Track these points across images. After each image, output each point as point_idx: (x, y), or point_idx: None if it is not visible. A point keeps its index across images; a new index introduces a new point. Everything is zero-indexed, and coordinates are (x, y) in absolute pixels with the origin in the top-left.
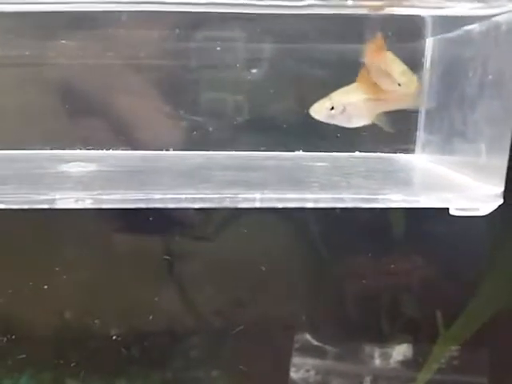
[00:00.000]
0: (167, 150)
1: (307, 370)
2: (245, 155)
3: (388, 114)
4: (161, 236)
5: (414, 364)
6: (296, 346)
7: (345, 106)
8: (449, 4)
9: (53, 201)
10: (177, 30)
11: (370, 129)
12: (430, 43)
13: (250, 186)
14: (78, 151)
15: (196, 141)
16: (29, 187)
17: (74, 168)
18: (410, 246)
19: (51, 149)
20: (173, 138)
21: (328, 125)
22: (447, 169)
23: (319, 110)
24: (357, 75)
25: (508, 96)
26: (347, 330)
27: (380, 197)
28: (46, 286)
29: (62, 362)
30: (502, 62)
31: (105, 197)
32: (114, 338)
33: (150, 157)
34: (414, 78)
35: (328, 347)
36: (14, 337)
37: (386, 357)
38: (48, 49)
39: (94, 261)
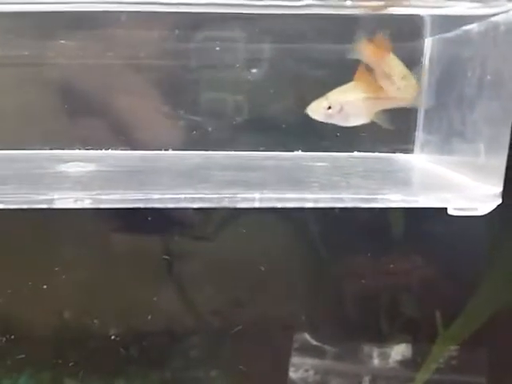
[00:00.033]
0: (166, 149)
1: (306, 370)
2: (244, 155)
3: (387, 113)
4: (160, 236)
5: (412, 364)
6: (295, 345)
7: (342, 105)
8: (447, 3)
9: (52, 201)
10: (176, 31)
11: (369, 129)
12: (428, 43)
13: (250, 185)
14: (77, 151)
15: (195, 141)
16: (28, 187)
17: (72, 168)
18: (409, 246)
19: (50, 149)
20: (172, 138)
21: (327, 124)
22: (446, 169)
23: (316, 110)
24: None
25: (507, 96)
26: (346, 329)
27: (379, 197)
28: (45, 286)
29: (60, 361)
30: (501, 62)
31: (104, 197)
32: (112, 337)
33: (149, 157)
34: (414, 83)
35: (327, 347)
36: (13, 337)
37: (384, 357)
38: (47, 49)
39: (93, 261)
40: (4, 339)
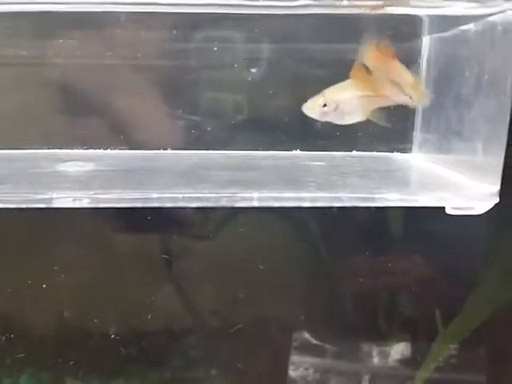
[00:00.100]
0: (165, 149)
1: (306, 369)
2: (242, 154)
3: (384, 111)
4: (159, 235)
5: (412, 362)
6: (295, 344)
7: (337, 103)
8: (445, 3)
9: (50, 200)
10: (174, 31)
11: (367, 128)
12: (426, 42)
13: (248, 185)
14: (75, 151)
15: (194, 140)
16: (26, 186)
17: (71, 167)
18: (408, 245)
19: (49, 148)
20: (171, 138)
21: (326, 124)
22: (444, 168)
23: (312, 107)
24: None
25: (504, 95)
26: (346, 328)
27: (377, 196)
28: (44, 285)
29: (60, 360)
30: (498, 62)
31: (102, 196)
32: (112, 337)
33: (147, 156)
34: (424, 91)
35: (327, 346)
36: (13, 336)
37: (384, 355)
38: (46, 48)
39: (92, 260)
40: (4, 338)
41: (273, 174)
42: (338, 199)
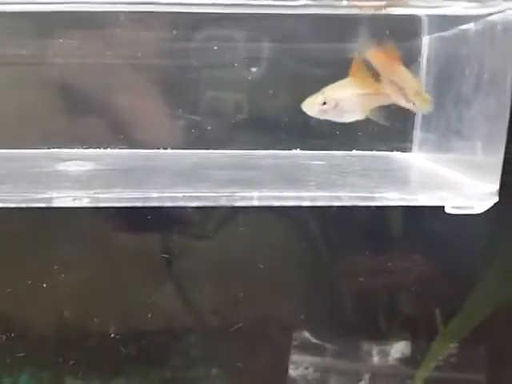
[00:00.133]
0: (165, 148)
1: (306, 368)
2: (242, 154)
3: (384, 110)
4: (159, 234)
5: (412, 361)
6: (295, 343)
7: (337, 101)
8: (445, 3)
9: (50, 199)
10: (173, 31)
11: (367, 127)
12: (426, 41)
13: (248, 184)
14: (75, 150)
15: (194, 140)
16: (26, 186)
17: (71, 167)
18: (408, 244)
19: (49, 148)
20: (171, 137)
21: (326, 123)
22: (444, 167)
23: (311, 106)
24: None
25: (503, 94)
26: (346, 327)
27: (376, 195)
28: (44, 285)
29: (61, 360)
30: (498, 61)
31: (102, 195)
32: (112, 336)
33: (147, 155)
34: (428, 98)
35: (327, 345)
36: (13, 335)
37: (384, 354)
38: (46, 48)
39: (92, 259)
40: (4, 337)
41: (273, 174)
42: (338, 198)
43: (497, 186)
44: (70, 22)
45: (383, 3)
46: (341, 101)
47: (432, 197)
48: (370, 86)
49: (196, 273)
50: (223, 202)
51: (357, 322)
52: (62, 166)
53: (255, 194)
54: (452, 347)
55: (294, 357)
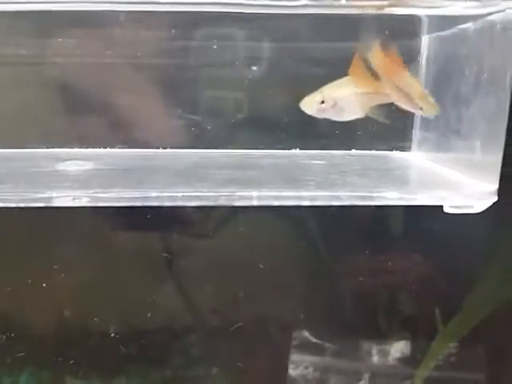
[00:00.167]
0: (165, 148)
1: (306, 367)
2: (242, 153)
3: (383, 108)
4: (159, 234)
5: (411, 361)
6: (294, 343)
7: (335, 100)
8: (444, 3)
9: (50, 199)
10: (173, 30)
11: (367, 126)
12: (425, 41)
13: (247, 184)
14: (75, 149)
15: (193, 139)
16: (26, 186)
17: (71, 166)
18: (408, 244)
19: (48, 147)
20: (170, 137)
21: (326, 122)
22: (443, 166)
23: (309, 104)
24: None
25: (503, 93)
26: (345, 327)
27: (376, 195)
28: (44, 284)
29: (61, 359)
30: (497, 60)
31: (101, 195)
32: (112, 335)
33: (147, 155)
34: (434, 103)
35: (326, 344)
36: (13, 335)
37: (384, 354)
38: (45, 47)
39: (92, 259)
40: (4, 337)
41: (272, 173)
42: (338, 198)
43: (496, 186)
44: (69, 22)
45: (383, 3)
46: (339, 99)
47: (431, 196)
48: (369, 85)
49: (196, 272)
50: (222, 202)
51: (356, 321)
52: (61, 166)
53: (255, 193)
54: (452, 347)
55: (294, 356)
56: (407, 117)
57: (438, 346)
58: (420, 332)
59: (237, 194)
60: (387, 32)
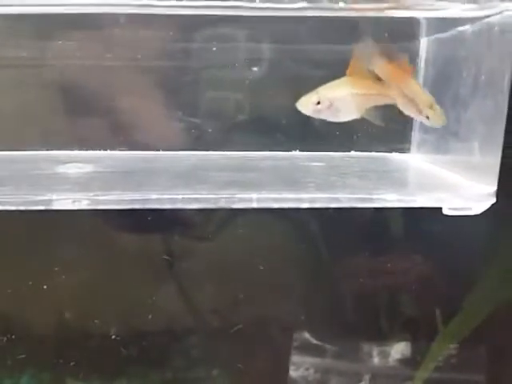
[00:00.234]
0: (164, 150)
1: (306, 369)
2: (241, 155)
3: (382, 110)
4: (160, 236)
5: (412, 362)
6: (295, 344)
7: (331, 101)
8: (442, 6)
9: (50, 202)
10: (172, 32)
11: (366, 128)
12: (424, 43)
13: (247, 186)
14: (75, 152)
15: (193, 141)
16: (26, 188)
17: (71, 169)
18: (408, 245)
19: (48, 150)
20: (170, 139)
21: (325, 124)
22: (442, 168)
23: (305, 104)
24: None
25: (501, 95)
26: (346, 328)
27: (375, 197)
28: (45, 286)
29: (61, 361)
30: (495, 62)
31: (101, 198)
32: (113, 337)
33: (146, 157)
34: (441, 111)
35: (327, 346)
36: (14, 337)
37: (384, 355)
38: (45, 50)
39: (93, 260)
40: (5, 339)
41: (272, 175)
42: (337, 200)
43: (494, 187)
44: (69, 24)
45: (382, 6)
46: (335, 100)
47: (430, 198)
48: (366, 86)
49: (196, 274)
50: (222, 204)
51: (357, 322)
52: (61, 169)
53: (254, 195)
54: (452, 347)
55: (295, 358)
56: (406, 119)
57: (438, 346)
58: (420, 333)
59: (237, 196)
60: (386, 34)
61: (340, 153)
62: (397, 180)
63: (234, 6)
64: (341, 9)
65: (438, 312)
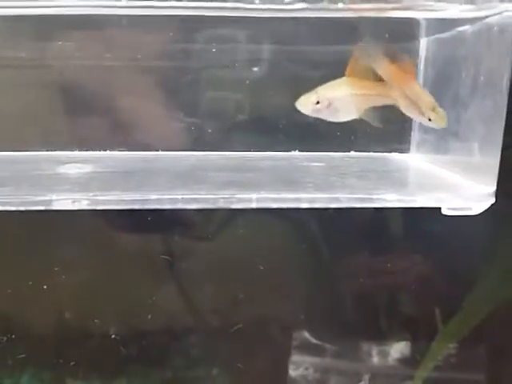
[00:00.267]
0: (164, 150)
1: (306, 368)
2: (241, 155)
3: (381, 111)
4: (160, 235)
5: (411, 362)
6: (295, 343)
7: (330, 101)
8: (442, 6)
9: (50, 202)
10: (172, 33)
11: (365, 128)
12: (424, 44)
13: (246, 186)
14: (75, 152)
15: (192, 141)
16: (26, 189)
17: (71, 169)
18: (407, 244)
19: (48, 150)
20: (170, 139)
21: (325, 124)
22: (441, 168)
23: (305, 104)
24: None
25: (500, 95)
26: (345, 328)
27: (375, 197)
28: (45, 286)
29: (61, 361)
30: (494, 62)
31: (101, 198)
32: (113, 337)
33: (146, 158)
34: (443, 113)
35: (326, 345)
36: (14, 336)
37: (383, 354)
38: (45, 50)
39: (93, 260)
40: (5, 339)
41: (271, 175)
42: (337, 200)
43: (493, 188)
44: (69, 25)
45: (381, 6)
46: (334, 100)
47: (430, 198)
48: (365, 86)
49: (197, 274)
50: (221, 204)
51: (356, 322)
52: (61, 169)
53: (254, 195)
54: (451, 347)
55: (294, 357)
56: (406, 118)
57: (437, 346)
58: (420, 332)
59: (236, 196)
60: (386, 35)
61: (340, 153)
62: (396, 180)
63: (234, 7)
64: (340, 9)
65: (437, 311)
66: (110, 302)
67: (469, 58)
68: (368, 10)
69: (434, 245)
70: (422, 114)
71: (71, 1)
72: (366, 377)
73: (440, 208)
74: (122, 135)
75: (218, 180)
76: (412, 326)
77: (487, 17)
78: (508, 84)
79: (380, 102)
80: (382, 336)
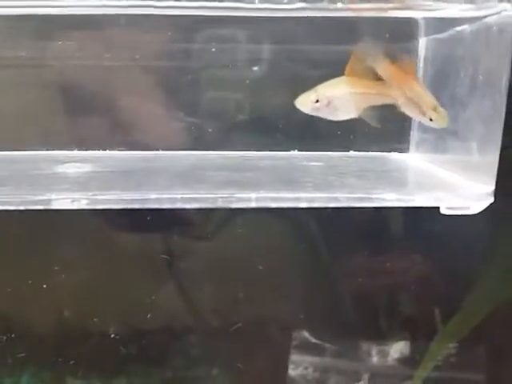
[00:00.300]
0: (164, 150)
1: (305, 368)
2: (240, 155)
3: (380, 110)
4: (159, 235)
5: (411, 361)
6: (294, 343)
7: (329, 99)
8: (440, 6)
9: (49, 201)
10: (172, 32)
11: (364, 128)
12: (423, 43)
13: (246, 185)
14: (74, 152)
15: (192, 141)
16: (25, 188)
17: (70, 169)
18: (407, 244)
19: (47, 149)
20: (169, 139)
21: (324, 124)
22: (440, 168)
23: (304, 102)
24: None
25: (498, 95)
26: (345, 327)
27: (374, 196)
28: (45, 285)
29: (61, 360)
30: (493, 62)
31: (100, 197)
32: (112, 336)
33: (145, 157)
34: (445, 112)
35: (326, 345)
36: (13, 335)
37: (383, 354)
38: (45, 50)
39: (93, 260)
40: (5, 338)
41: (270, 175)
42: (336, 199)
43: (492, 187)
44: (69, 24)
45: (380, 6)
46: (333, 99)
47: (429, 197)
48: (364, 85)
49: (196, 273)
50: (221, 204)
51: (356, 322)
52: (60, 168)
53: (253, 195)
54: (451, 347)
55: (294, 357)
56: (405, 118)
57: (437, 346)
58: (419, 332)
59: (235, 195)
60: (385, 34)
61: (338, 152)
62: (395, 179)
63: (234, 7)
64: (339, 9)
65: (437, 311)
66: (109, 301)
67: (468, 57)
68: (367, 10)
69: (434, 245)
70: (423, 113)
71: (71, 1)
72: (366, 376)
73: (439, 208)
74: (121, 135)
75: (217, 179)
76: (411, 326)
77: (486, 16)
78: (507, 84)
79: (379, 101)
80: (381, 336)
